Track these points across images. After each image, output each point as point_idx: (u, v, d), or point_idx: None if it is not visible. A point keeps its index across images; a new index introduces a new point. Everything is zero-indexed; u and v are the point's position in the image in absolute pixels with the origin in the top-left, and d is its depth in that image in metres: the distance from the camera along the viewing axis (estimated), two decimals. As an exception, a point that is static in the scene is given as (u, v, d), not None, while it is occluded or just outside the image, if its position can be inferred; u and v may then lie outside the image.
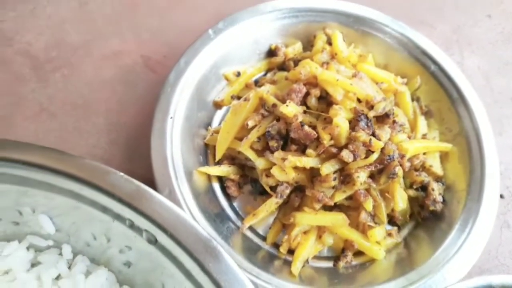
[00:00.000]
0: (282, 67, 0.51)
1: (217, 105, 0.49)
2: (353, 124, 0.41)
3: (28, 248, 0.40)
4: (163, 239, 0.35)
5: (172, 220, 0.34)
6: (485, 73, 0.60)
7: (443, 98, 0.49)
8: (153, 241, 0.35)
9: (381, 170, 0.41)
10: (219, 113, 0.50)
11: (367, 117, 0.41)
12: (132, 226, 0.35)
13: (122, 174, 0.36)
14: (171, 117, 0.44)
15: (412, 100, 0.50)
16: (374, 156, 0.40)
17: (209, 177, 0.45)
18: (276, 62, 0.50)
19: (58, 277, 0.39)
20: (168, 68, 0.48)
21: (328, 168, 0.40)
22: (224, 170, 0.44)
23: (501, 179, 0.48)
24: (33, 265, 0.40)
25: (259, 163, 0.43)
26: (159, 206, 0.35)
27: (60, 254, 0.40)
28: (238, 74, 0.49)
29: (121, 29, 0.58)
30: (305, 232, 0.42)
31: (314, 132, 0.40)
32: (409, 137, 0.47)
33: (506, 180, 0.50)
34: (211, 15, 0.52)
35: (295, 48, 0.51)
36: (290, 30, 0.53)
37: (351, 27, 0.53)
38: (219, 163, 0.45)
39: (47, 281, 0.38)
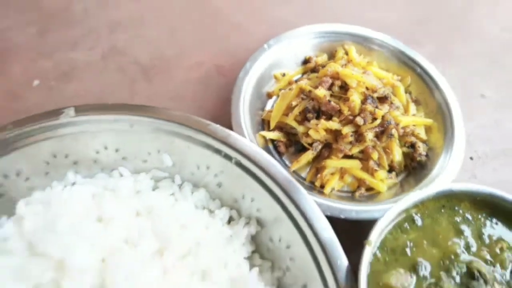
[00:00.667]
0: (314, 70, 0.72)
1: (269, 95, 0.71)
2: (363, 101, 0.62)
3: (151, 178, 0.61)
4: (246, 163, 0.55)
5: (251, 150, 0.55)
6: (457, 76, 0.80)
7: (426, 91, 0.70)
8: (239, 164, 0.55)
9: (382, 132, 0.61)
10: (270, 101, 0.71)
11: (372, 97, 0.62)
12: (225, 156, 0.56)
13: (218, 125, 0.57)
14: (243, 99, 0.66)
15: (406, 93, 0.70)
16: (377, 122, 0.60)
17: (265, 140, 0.66)
18: (309, 67, 0.72)
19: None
20: (234, 73, 0.70)
21: (347, 129, 0.61)
22: (276, 135, 0.65)
23: (469, 146, 0.68)
24: (153, 189, 0.61)
25: (300, 129, 0.64)
26: (243, 143, 0.56)
27: (173, 181, 0.61)
28: (284, 75, 0.71)
29: (201, 46, 0.81)
30: (332, 173, 0.62)
31: (337, 106, 0.61)
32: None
33: (474, 147, 0.69)
34: (264, 36, 0.75)
35: (323, 58, 0.73)
36: (319, 46, 0.75)
37: (361, 44, 0.75)
38: (272, 131, 0.66)
39: (166, 196, 0.58)
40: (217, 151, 0.56)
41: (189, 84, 0.74)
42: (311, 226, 0.50)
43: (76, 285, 0.43)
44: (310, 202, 0.51)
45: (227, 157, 0.55)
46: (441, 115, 0.66)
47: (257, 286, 0.49)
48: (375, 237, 0.48)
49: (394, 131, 0.60)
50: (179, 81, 0.74)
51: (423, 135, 0.65)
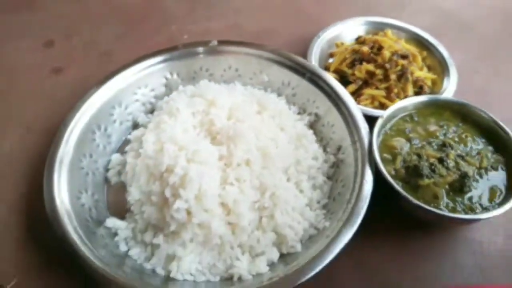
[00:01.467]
0: (362, 43, 1.07)
1: (331, 55, 1.06)
2: (391, 56, 0.95)
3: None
4: (314, 78, 0.90)
5: (317, 70, 0.90)
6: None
7: (435, 59, 1.02)
8: (310, 79, 0.90)
9: (401, 76, 0.94)
10: (331, 59, 1.07)
11: (397, 54, 0.96)
12: (301, 74, 0.92)
13: (298, 56, 0.93)
14: (315, 54, 1.02)
15: (422, 61, 1.03)
16: (399, 68, 0.94)
17: (326, 79, 1.01)
18: (360, 41, 1.06)
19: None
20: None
21: (379, 71, 0.94)
22: (333, 75, 0.99)
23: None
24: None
25: (349, 71, 0.98)
26: (313, 66, 0.92)
27: (265, 91, 0.98)
28: (342, 43, 1.07)
29: (290, 26, 1.20)
30: (366, 99, 0.95)
31: (375, 57, 0.95)
32: (418, 72, 1.00)
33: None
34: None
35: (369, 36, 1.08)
36: (366, 30, 1.10)
37: (394, 30, 1.09)
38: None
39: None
40: (296, 71, 0.92)
41: (282, 45, 1.11)
42: (348, 109, 0.83)
43: (218, 112, 0.80)
44: (349, 96, 0.85)
45: (302, 74, 0.91)
46: (443, 75, 0.98)
47: (312, 139, 0.84)
48: (386, 114, 0.81)
49: (409, 76, 0.93)
50: (276, 43, 1.12)
51: (429, 84, 0.97)
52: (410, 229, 0.75)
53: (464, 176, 0.72)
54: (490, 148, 0.79)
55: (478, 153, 0.77)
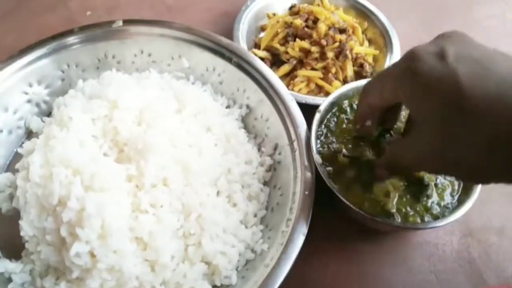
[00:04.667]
0: (296, 13, 0.89)
1: (262, 28, 0.88)
2: (327, 30, 0.79)
3: (172, 78, 0.78)
4: (242, 63, 0.71)
5: (246, 53, 0.72)
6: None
7: (377, 31, 0.87)
8: (237, 65, 0.72)
9: (339, 53, 0.79)
10: (262, 33, 0.89)
11: (334, 27, 0.79)
12: (227, 58, 0.72)
13: (223, 37, 0.74)
14: (242, 28, 0.83)
15: (362, 34, 0.88)
16: (336, 44, 0.78)
17: (257, 59, 0.84)
18: (294, 11, 0.88)
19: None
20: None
21: (314, 49, 0.78)
22: (264, 53, 0.82)
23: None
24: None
25: (282, 49, 0.81)
26: (240, 49, 0.73)
27: (188, 80, 0.78)
28: (274, 14, 0.89)
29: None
30: (301, 81, 0.79)
31: (309, 31, 0.79)
32: (358, 46, 0.85)
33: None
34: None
35: (304, 5, 0.90)
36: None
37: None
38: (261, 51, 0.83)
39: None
40: (221, 55, 0.73)
41: (202, 22, 0.91)
42: (283, 102, 0.67)
43: (124, 117, 0.61)
44: (283, 87, 0.68)
45: (228, 59, 0.73)
46: (386, 49, 0.83)
47: (244, 139, 0.67)
48: (323, 107, 0.66)
49: (348, 53, 0.78)
50: (194, 19, 0.92)
51: (370, 60, 0.82)
52: (358, 234, 0.64)
53: (420, 183, 0.59)
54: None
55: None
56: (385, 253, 0.63)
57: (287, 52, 0.79)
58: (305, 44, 0.77)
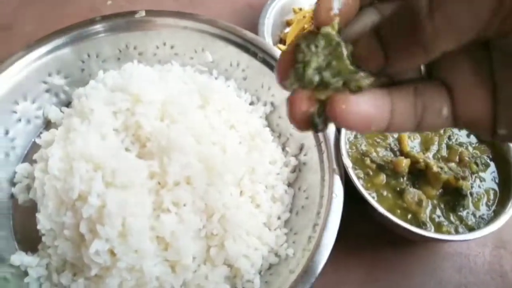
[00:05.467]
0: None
1: (288, 23, 0.85)
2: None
3: (194, 71, 0.75)
4: (267, 58, 0.68)
5: (271, 49, 0.69)
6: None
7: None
8: (262, 60, 0.69)
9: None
10: (288, 28, 0.86)
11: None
12: (252, 53, 0.70)
13: (248, 31, 0.71)
14: (267, 23, 0.80)
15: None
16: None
17: (281, 55, 0.81)
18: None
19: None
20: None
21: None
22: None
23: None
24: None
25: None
26: (266, 44, 0.70)
27: (211, 74, 0.75)
28: (300, 9, 0.86)
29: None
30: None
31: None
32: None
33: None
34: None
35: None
36: None
37: None
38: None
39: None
40: (246, 50, 0.70)
41: (225, 15, 0.88)
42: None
43: (146, 111, 0.58)
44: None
45: (253, 54, 0.70)
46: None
47: (269, 137, 0.65)
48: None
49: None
50: (217, 11, 0.89)
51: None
52: (387, 241, 0.61)
53: (458, 191, 0.56)
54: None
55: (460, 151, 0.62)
56: (414, 263, 0.60)
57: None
58: (334, 40, 0.74)
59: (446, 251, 0.63)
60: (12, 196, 0.63)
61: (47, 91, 0.69)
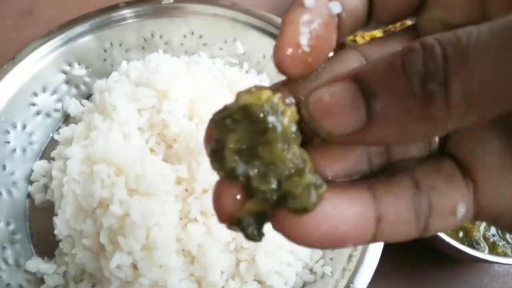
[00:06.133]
0: None
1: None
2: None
3: (224, 64, 0.70)
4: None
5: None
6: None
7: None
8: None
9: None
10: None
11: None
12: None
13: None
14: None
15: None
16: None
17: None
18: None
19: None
20: None
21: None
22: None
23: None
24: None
25: (349, 37, 0.71)
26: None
27: (241, 67, 0.70)
28: None
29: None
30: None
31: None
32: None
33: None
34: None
35: None
36: None
37: None
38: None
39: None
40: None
41: (259, 1, 0.82)
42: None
43: (173, 108, 0.53)
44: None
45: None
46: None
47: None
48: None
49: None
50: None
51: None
52: (432, 260, 0.55)
53: None
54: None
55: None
56: (460, 283, 0.55)
57: (354, 41, 0.69)
58: (378, 33, 0.67)
59: (496, 270, 0.57)
60: (28, 195, 0.59)
61: (67, 82, 0.65)
